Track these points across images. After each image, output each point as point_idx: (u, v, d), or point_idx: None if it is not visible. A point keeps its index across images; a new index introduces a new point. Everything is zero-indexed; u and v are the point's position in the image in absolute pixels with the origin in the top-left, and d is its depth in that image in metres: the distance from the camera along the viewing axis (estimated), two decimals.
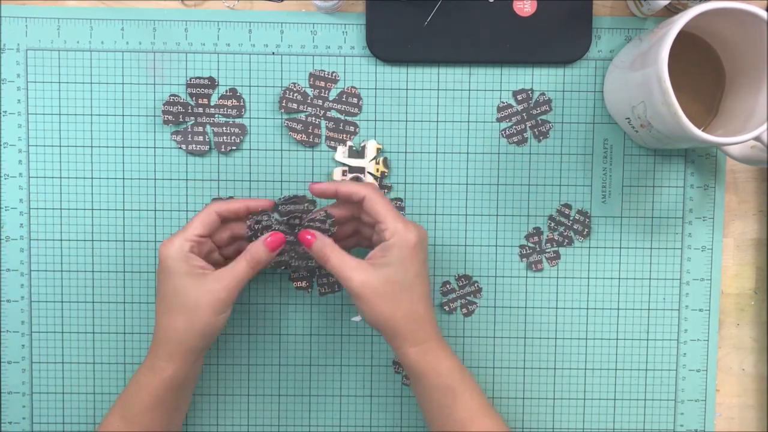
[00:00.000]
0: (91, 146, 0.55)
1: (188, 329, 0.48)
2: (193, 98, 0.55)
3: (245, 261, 0.49)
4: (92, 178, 0.56)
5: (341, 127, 0.56)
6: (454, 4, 0.54)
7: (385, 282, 0.47)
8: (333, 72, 0.55)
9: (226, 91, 0.55)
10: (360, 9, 0.55)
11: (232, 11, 0.55)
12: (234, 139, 0.55)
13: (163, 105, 0.55)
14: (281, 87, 0.55)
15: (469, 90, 0.56)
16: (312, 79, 0.55)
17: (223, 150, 0.55)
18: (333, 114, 0.56)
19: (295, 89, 0.55)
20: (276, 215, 0.51)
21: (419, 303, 0.48)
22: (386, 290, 0.47)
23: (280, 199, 0.51)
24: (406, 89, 0.56)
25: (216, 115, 0.55)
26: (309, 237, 0.49)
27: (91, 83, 0.55)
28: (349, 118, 0.56)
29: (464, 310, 0.57)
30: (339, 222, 0.52)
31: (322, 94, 0.55)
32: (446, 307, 0.57)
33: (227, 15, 0.55)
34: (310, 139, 0.55)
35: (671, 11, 0.55)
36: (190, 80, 0.55)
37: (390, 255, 0.47)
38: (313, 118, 0.55)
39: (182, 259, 0.48)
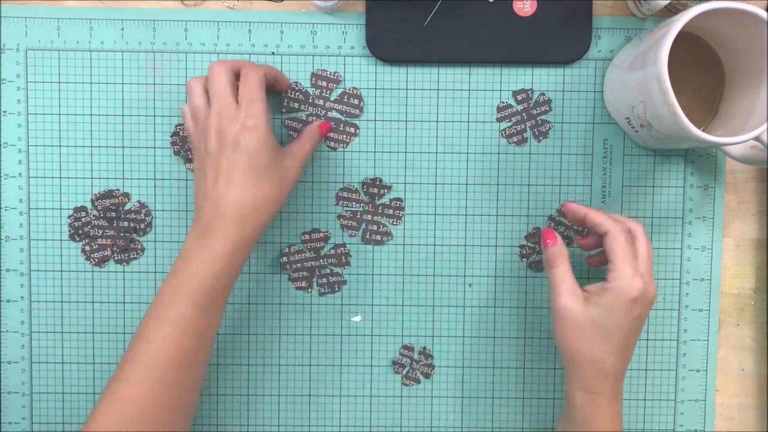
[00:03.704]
0: (91, 146, 0.55)
1: (269, 201, 0.48)
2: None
3: (306, 139, 0.52)
4: (92, 178, 0.55)
5: (342, 128, 0.56)
6: (454, 4, 0.54)
7: (586, 319, 0.47)
8: (335, 72, 0.55)
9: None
10: (360, 9, 0.55)
11: (232, 11, 0.55)
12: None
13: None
14: None
15: (469, 90, 0.56)
16: (314, 79, 0.55)
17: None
18: (334, 114, 0.56)
19: (296, 89, 0.55)
20: (94, 212, 0.55)
21: (609, 356, 0.47)
22: (584, 327, 0.47)
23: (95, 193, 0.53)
24: (406, 89, 0.56)
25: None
26: (550, 240, 0.50)
27: (91, 83, 0.55)
28: (349, 119, 0.56)
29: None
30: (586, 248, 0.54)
31: (324, 94, 0.55)
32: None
33: (227, 15, 0.55)
34: None
35: (671, 11, 0.55)
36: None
37: (604, 297, 0.47)
38: (314, 118, 0.55)
39: (270, 136, 0.48)
